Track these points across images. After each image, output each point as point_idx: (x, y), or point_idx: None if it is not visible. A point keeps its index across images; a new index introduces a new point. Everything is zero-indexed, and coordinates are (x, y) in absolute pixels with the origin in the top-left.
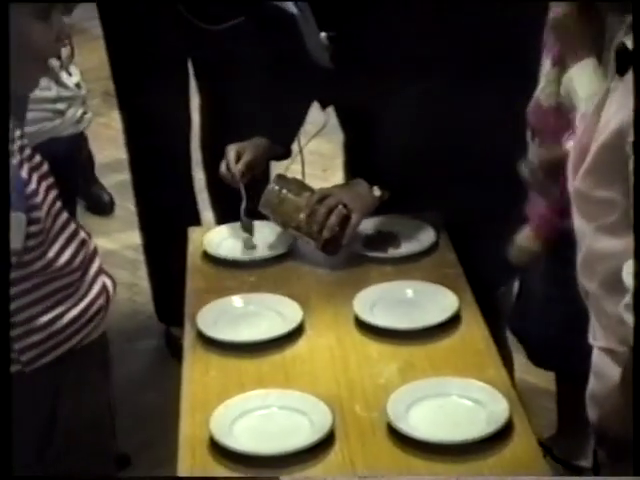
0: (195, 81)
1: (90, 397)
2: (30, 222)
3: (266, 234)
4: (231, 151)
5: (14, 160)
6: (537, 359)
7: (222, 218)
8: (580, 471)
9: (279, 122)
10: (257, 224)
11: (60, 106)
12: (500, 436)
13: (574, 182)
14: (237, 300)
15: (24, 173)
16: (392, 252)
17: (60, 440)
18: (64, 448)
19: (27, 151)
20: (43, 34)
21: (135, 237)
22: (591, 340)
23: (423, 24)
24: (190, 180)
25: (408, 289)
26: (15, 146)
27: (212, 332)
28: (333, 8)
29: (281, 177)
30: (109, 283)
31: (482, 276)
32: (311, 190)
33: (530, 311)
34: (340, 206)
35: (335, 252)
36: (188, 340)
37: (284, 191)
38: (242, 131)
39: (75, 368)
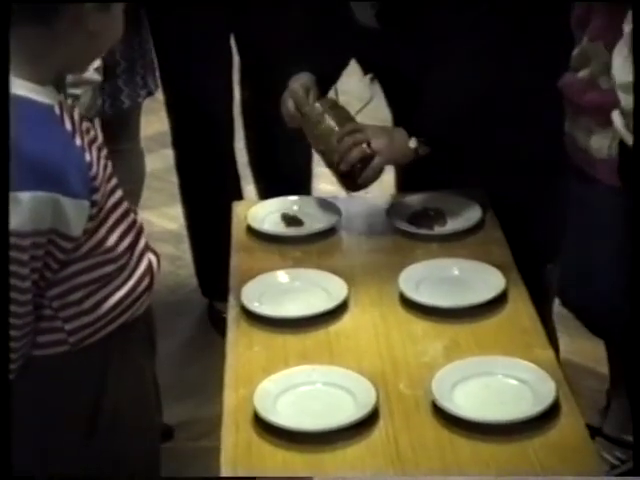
0: (238, 56)
1: (135, 373)
2: (90, 205)
3: (311, 209)
4: (300, 89)
5: (79, 141)
6: (599, 329)
7: (265, 193)
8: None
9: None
10: (303, 198)
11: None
12: (547, 417)
13: None
14: (282, 275)
15: (93, 155)
16: (438, 229)
17: (107, 418)
18: (110, 426)
19: (85, 123)
20: (106, 25)
21: (179, 210)
22: None
23: None
24: (232, 154)
25: (454, 267)
26: (75, 115)
27: (256, 307)
28: None
29: (331, 102)
30: (154, 260)
31: (529, 254)
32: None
33: (591, 281)
34: (364, 144)
35: (351, 189)
36: (232, 315)
37: (326, 114)
38: None
39: (120, 345)
